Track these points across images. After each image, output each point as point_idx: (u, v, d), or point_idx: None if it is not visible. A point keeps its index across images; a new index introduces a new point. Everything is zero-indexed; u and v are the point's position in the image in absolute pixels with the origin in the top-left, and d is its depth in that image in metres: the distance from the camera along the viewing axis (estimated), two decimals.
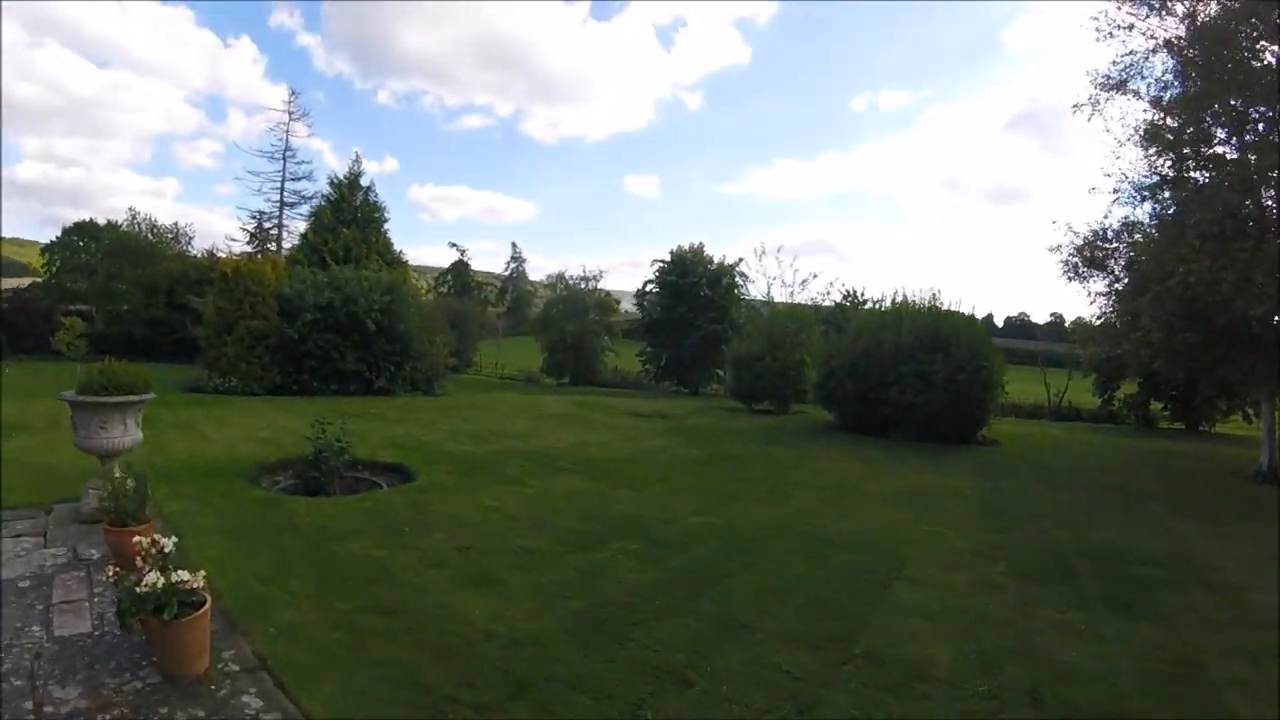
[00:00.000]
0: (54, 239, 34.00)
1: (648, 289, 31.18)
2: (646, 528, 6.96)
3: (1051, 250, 15.01)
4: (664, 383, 29.79)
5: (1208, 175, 12.64)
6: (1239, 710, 3.85)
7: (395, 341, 19.45)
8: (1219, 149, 12.73)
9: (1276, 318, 11.64)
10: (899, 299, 17.69)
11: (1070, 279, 15.22)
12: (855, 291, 45.77)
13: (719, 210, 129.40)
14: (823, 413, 18.47)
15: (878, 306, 19.29)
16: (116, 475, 5.42)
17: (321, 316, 18.58)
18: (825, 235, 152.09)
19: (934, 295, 17.20)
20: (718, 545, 6.55)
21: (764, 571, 5.82)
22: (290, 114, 40.86)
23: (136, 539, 3.82)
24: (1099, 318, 16.83)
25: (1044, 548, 7.04)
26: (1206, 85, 12.00)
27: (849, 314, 37.27)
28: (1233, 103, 12.15)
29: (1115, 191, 13.84)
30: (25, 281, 35.37)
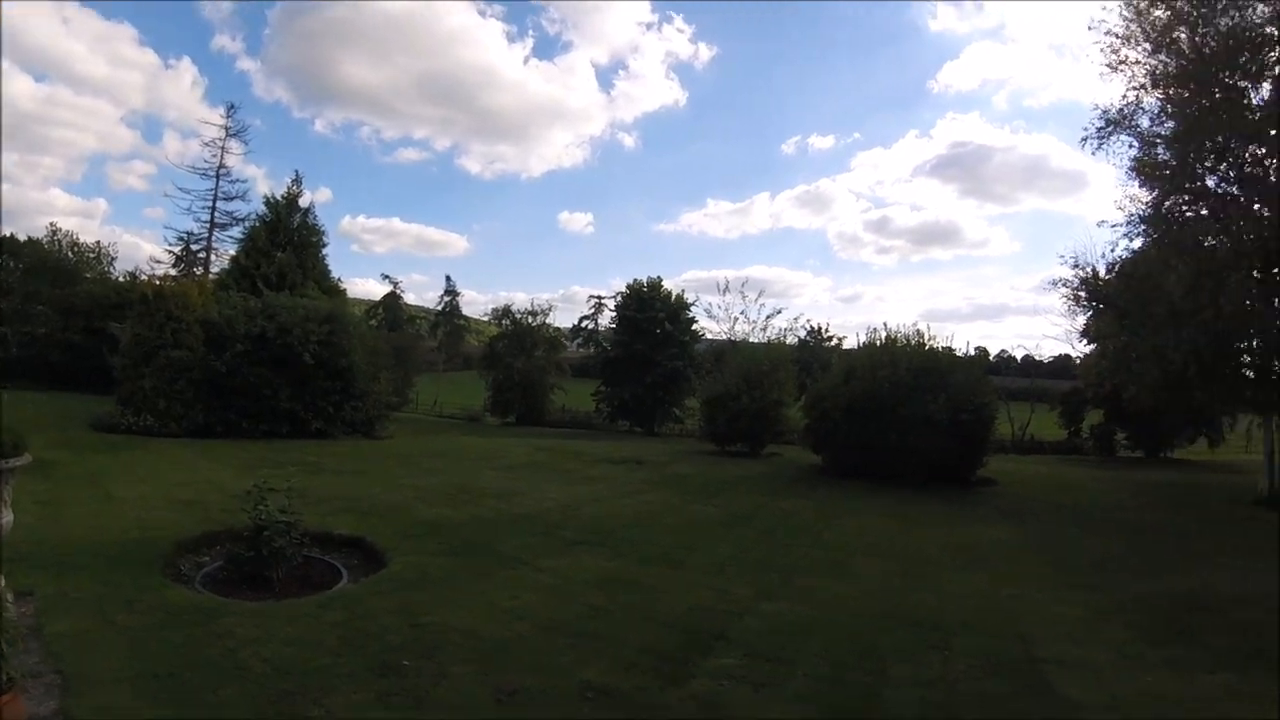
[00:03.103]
0: None
1: (583, 324, 29.70)
2: (724, 629, 5.45)
3: (1054, 284, 15.71)
4: (618, 423, 28.24)
5: (1194, 210, 13.00)
6: None
7: (335, 378, 17.46)
8: (1209, 182, 13.07)
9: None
10: (883, 336, 16.74)
11: (1076, 312, 16.10)
12: (820, 328, 45.37)
13: (653, 248, 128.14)
14: (802, 454, 17.55)
15: (841, 344, 18.59)
16: None
17: (253, 348, 16.58)
18: (758, 274, 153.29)
19: (919, 331, 16.40)
20: (825, 646, 5.20)
21: (905, 680, 4.69)
22: (227, 129, 38.29)
23: None
24: (1094, 349, 17.51)
25: (1139, 602, 6.71)
26: (1190, 124, 12.26)
27: (815, 351, 36.82)
28: (1220, 140, 12.30)
29: (1125, 224, 14.10)
30: None
